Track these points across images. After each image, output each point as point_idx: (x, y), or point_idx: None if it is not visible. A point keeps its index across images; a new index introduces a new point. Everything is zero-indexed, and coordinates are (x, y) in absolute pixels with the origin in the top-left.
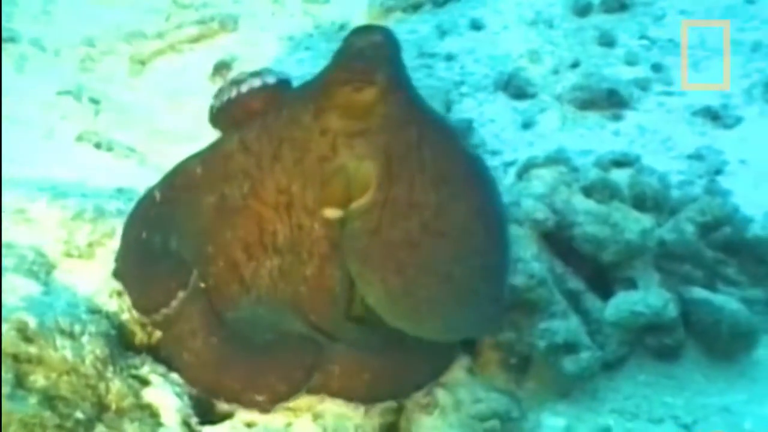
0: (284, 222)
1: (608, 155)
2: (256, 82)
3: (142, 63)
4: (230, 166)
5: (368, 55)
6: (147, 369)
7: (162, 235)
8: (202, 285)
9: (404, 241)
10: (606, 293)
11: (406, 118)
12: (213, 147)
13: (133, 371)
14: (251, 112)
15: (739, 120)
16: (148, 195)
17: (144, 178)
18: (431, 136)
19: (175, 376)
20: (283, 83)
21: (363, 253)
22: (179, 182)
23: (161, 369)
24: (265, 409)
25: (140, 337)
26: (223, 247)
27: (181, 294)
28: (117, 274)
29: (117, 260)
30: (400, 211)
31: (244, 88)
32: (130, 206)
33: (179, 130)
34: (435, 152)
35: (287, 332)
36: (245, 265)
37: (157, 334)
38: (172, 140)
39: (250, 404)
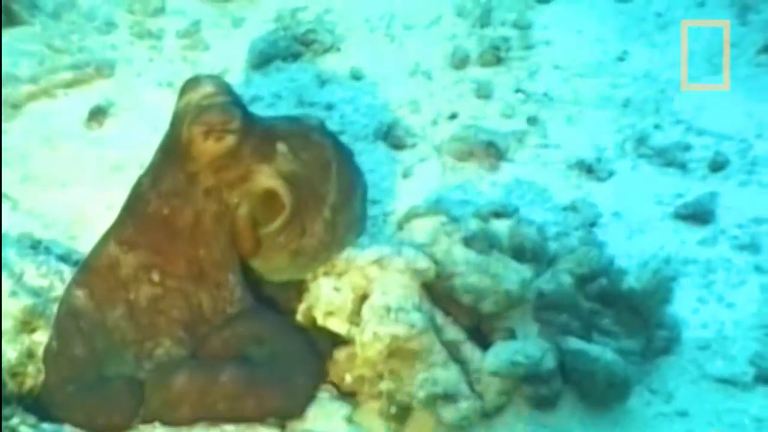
0: (204, 289)
1: (488, 206)
2: None
3: (15, 107)
4: (123, 272)
5: (212, 105)
6: (17, 420)
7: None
8: None
9: (326, 227)
10: (486, 343)
11: (266, 139)
12: (87, 268)
13: (3, 423)
14: None
15: (611, 173)
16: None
17: (16, 223)
18: (295, 141)
19: (46, 426)
20: None
21: (294, 251)
22: (68, 321)
23: (31, 419)
24: None
25: (10, 387)
26: (159, 334)
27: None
28: None
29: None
30: (314, 208)
31: None
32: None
33: (53, 175)
34: (307, 150)
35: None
36: (187, 346)
37: (28, 383)
38: (46, 185)
39: None
